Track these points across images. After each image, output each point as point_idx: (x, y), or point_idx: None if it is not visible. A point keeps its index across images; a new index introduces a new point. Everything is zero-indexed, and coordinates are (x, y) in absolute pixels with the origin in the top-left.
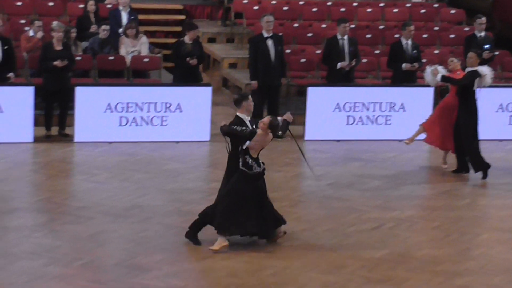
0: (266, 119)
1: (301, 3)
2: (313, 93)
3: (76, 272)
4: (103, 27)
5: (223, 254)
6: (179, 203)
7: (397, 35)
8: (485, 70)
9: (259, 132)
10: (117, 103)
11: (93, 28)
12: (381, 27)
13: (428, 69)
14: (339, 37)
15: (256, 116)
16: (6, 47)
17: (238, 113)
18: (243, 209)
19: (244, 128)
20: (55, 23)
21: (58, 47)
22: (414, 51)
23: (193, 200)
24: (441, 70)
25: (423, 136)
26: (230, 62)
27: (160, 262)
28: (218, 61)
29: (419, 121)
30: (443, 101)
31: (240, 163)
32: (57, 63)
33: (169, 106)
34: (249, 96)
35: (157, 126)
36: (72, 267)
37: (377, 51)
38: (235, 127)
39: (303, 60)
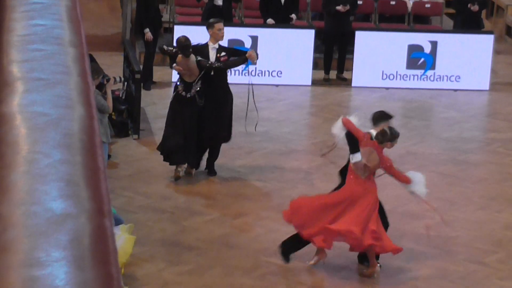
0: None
1: None
2: None
3: None
4: None
5: (499, 206)
6: (454, 152)
7: None
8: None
9: (178, 56)
10: (397, 48)
11: None
12: None
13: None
14: None
15: None
16: None
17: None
18: (167, 127)
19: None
20: None
21: None
22: None
23: (469, 149)
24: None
25: None
26: None
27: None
28: (503, 8)
29: None
30: None
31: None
32: (339, 8)
33: (447, 53)
34: (215, 24)
35: (433, 74)
36: None
37: None
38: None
39: None
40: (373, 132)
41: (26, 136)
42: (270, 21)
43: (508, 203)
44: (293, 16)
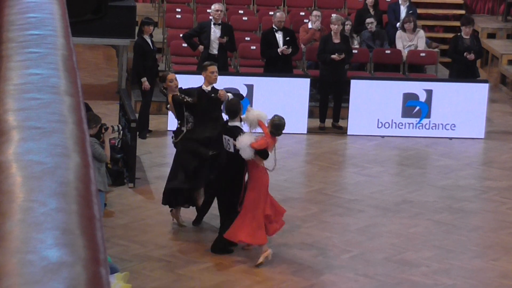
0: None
1: None
2: None
3: (344, 264)
4: (367, 20)
5: (495, 255)
6: (450, 200)
7: None
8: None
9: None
10: (392, 97)
11: (370, 21)
12: None
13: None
14: None
15: None
16: (287, 38)
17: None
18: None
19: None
20: (334, 16)
21: (337, 40)
22: None
23: (464, 197)
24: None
25: None
26: (509, 58)
27: (429, 259)
28: (497, 58)
29: None
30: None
31: None
32: (334, 56)
33: (442, 102)
34: (208, 67)
35: (428, 122)
36: (340, 259)
37: None
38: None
39: None
40: (237, 123)
41: (21, 184)
42: (284, 49)
43: (504, 251)
44: (289, 50)
